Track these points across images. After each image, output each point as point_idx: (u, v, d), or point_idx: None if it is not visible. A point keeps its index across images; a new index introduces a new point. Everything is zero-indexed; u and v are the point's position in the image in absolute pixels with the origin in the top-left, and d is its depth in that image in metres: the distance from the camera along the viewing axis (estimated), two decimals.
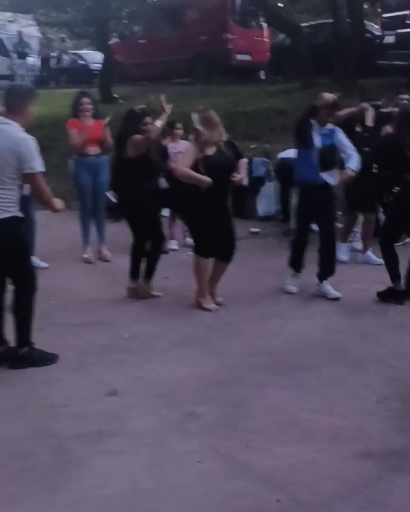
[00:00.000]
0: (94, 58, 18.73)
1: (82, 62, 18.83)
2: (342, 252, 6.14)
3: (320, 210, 5.23)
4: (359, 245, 6.52)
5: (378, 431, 3.17)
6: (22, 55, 17.67)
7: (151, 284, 5.36)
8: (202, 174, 4.77)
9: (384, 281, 5.56)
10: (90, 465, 2.94)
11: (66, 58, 17.88)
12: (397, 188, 5.19)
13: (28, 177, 3.84)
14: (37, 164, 3.81)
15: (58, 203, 4.05)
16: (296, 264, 5.42)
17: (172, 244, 7.09)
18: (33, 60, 18.18)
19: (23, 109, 3.89)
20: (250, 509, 2.60)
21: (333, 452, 3.00)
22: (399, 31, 12.80)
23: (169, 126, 6.93)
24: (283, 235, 7.43)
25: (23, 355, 4.00)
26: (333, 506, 2.60)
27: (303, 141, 5.25)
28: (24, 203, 6.11)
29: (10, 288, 4.05)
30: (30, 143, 3.80)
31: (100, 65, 16.11)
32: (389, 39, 13.12)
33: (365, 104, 6.05)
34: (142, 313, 4.99)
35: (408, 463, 2.89)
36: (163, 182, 6.60)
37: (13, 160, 3.76)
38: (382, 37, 13.53)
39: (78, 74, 17.18)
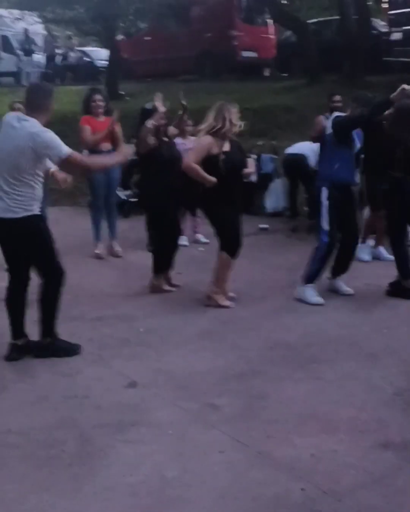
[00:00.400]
0: (100, 55, 18.75)
1: (88, 59, 18.85)
2: (365, 252, 6.16)
3: (348, 209, 5.15)
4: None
5: (396, 423, 3.22)
6: (28, 52, 17.72)
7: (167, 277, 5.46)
8: (220, 170, 4.79)
9: (394, 276, 5.62)
10: (115, 454, 3.00)
11: (72, 55, 17.89)
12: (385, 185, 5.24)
13: (63, 165, 3.84)
14: (63, 149, 3.77)
15: (119, 155, 4.00)
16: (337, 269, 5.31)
17: (183, 240, 7.13)
18: (38, 57, 18.23)
19: (43, 106, 3.93)
20: (275, 497, 2.65)
21: (353, 443, 3.06)
22: (406, 28, 12.85)
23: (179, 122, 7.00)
24: (291, 231, 7.51)
25: (47, 345, 4.09)
26: (357, 495, 2.66)
27: (347, 140, 5.07)
28: None
29: (33, 283, 4.11)
30: (46, 134, 3.78)
31: (106, 62, 16.14)
32: (396, 36, 13.17)
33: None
34: (156, 308, 5.05)
35: None
36: None
37: (30, 155, 3.76)
38: (389, 34, 13.57)
39: (84, 71, 17.20)
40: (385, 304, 5.01)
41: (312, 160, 7.61)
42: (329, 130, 5.15)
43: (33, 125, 3.82)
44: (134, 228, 7.80)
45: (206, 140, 4.87)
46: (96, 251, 6.63)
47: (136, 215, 8.47)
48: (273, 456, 2.96)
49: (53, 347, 4.08)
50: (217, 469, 2.85)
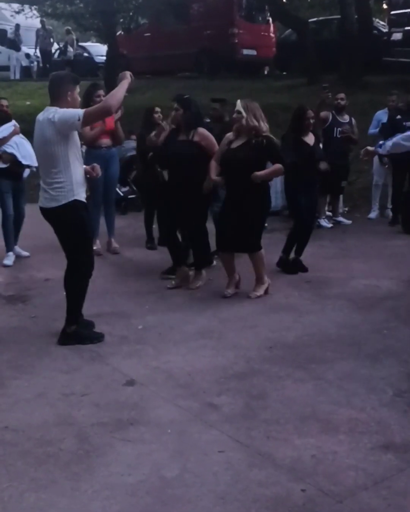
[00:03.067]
0: (98, 50, 18.70)
1: (86, 54, 18.78)
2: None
3: None
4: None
5: (396, 424, 3.20)
6: (15, 46, 17.71)
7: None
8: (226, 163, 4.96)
9: (394, 277, 5.61)
10: (114, 452, 2.97)
11: (70, 50, 17.82)
12: None
13: (86, 123, 3.94)
14: (76, 113, 3.86)
15: (124, 75, 4.05)
16: None
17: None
18: (30, 51, 18.22)
19: (62, 95, 4.01)
20: (275, 498, 2.63)
21: (353, 444, 3.03)
22: (406, 28, 12.83)
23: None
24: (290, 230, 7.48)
25: (71, 333, 4.19)
26: (357, 496, 2.64)
27: None
28: (16, 193, 6.33)
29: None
30: (58, 113, 3.89)
31: (105, 58, 16.08)
32: (396, 36, 13.15)
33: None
34: (155, 305, 5.02)
35: None
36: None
37: (58, 139, 3.90)
38: (389, 34, 13.55)
39: (82, 67, 17.12)
40: (384, 305, 4.99)
41: None
42: None
43: (50, 111, 3.95)
44: (132, 225, 7.79)
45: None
46: (94, 248, 6.59)
47: (133, 212, 8.48)
48: (273, 457, 2.93)
49: (77, 335, 4.19)
50: (217, 469, 2.83)
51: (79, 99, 4.14)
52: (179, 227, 5.57)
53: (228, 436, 3.09)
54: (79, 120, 3.85)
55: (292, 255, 5.95)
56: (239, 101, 4.98)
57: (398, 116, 7.54)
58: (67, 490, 2.72)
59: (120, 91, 3.96)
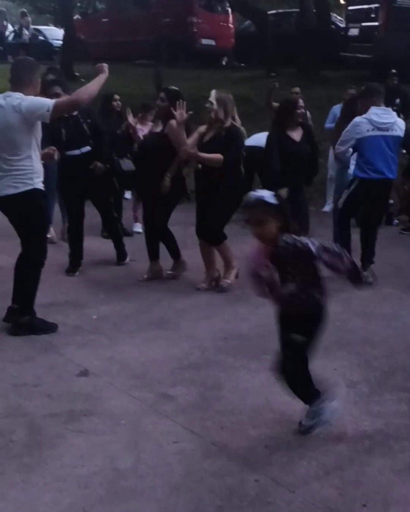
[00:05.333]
0: (54, 34, 18.34)
1: (42, 38, 18.39)
2: None
3: None
4: None
5: (348, 415, 3.25)
6: None
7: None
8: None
9: None
10: (66, 444, 2.93)
11: (26, 33, 17.41)
12: None
13: (56, 113, 3.81)
14: (46, 103, 3.79)
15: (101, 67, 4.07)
16: None
17: (137, 227, 7.05)
18: None
19: (27, 80, 3.93)
20: (229, 488, 2.63)
21: (306, 435, 3.06)
22: (363, 24, 12.99)
23: (144, 109, 6.91)
24: (246, 222, 7.49)
25: (24, 324, 4.10)
26: (310, 486, 2.67)
27: None
28: None
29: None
30: (26, 100, 3.82)
31: (61, 42, 15.78)
32: (353, 31, 13.31)
33: None
34: (110, 295, 4.97)
35: (380, 446, 2.97)
36: (129, 164, 6.59)
37: (23, 127, 3.80)
38: (346, 29, 13.70)
39: (38, 50, 16.75)
40: (338, 297, 4.99)
41: None
42: None
43: (14, 97, 3.85)
44: (87, 213, 7.65)
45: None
46: (48, 235, 6.46)
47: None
48: (227, 447, 2.94)
49: (31, 326, 4.10)
50: (171, 460, 2.82)
51: (39, 84, 4.07)
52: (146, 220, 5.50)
53: (182, 427, 3.09)
54: (48, 111, 3.77)
55: None
56: (213, 92, 4.93)
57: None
58: (17, 482, 2.66)
59: (94, 86, 3.92)
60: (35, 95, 3.92)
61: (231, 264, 5.19)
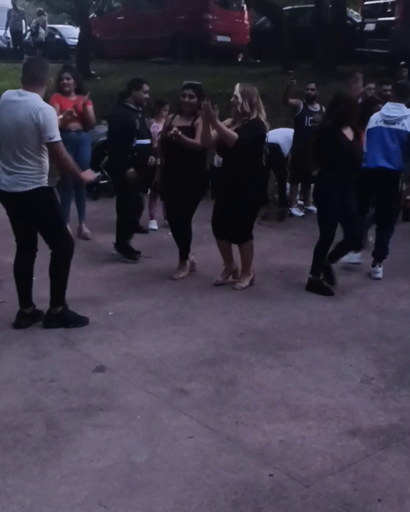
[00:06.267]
0: (70, 33, 18.43)
1: (58, 36, 18.49)
2: None
3: None
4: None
5: (364, 410, 3.25)
6: None
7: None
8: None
9: (364, 265, 5.67)
10: (83, 438, 2.96)
11: (42, 32, 17.50)
12: None
13: (48, 146, 3.89)
14: (57, 133, 3.88)
15: (87, 174, 4.26)
16: None
17: (153, 224, 7.07)
18: (1, 32, 17.88)
19: (39, 79, 3.96)
20: (243, 482, 2.65)
21: (321, 430, 3.07)
22: (379, 19, 12.89)
23: (158, 106, 6.93)
24: (262, 218, 7.47)
25: (57, 315, 4.18)
26: (325, 481, 2.67)
27: None
28: None
29: (40, 254, 4.25)
30: (49, 112, 3.87)
31: (77, 41, 15.84)
32: (369, 26, 13.22)
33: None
34: (126, 291, 4.99)
35: (395, 441, 2.97)
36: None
37: (35, 129, 3.84)
38: (362, 24, 13.61)
39: (54, 49, 16.86)
40: (354, 293, 5.04)
41: (285, 149, 7.63)
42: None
43: (36, 99, 3.89)
44: (103, 210, 7.71)
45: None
46: None
47: (105, 198, 8.40)
48: (242, 442, 2.95)
49: (63, 318, 4.18)
50: (186, 455, 2.83)
51: (50, 83, 4.14)
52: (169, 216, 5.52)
53: (197, 422, 3.10)
54: (50, 139, 3.84)
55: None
56: (238, 85, 4.85)
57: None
58: (34, 475, 2.70)
59: (79, 176, 4.19)
60: (43, 95, 3.97)
61: (249, 269, 5.14)
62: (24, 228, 4.14)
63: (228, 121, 4.94)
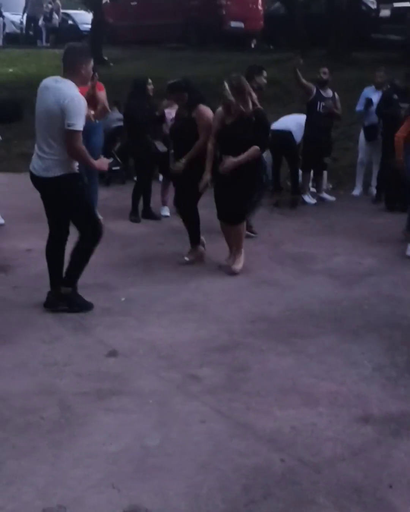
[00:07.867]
0: (83, 18, 18.35)
1: (71, 22, 18.42)
2: None
3: None
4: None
5: (376, 398, 3.25)
6: None
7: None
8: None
9: (376, 254, 5.66)
10: (95, 422, 2.99)
11: (56, 17, 17.45)
12: None
13: (66, 133, 3.89)
14: (77, 123, 3.87)
15: (101, 163, 4.29)
16: None
17: (165, 211, 7.08)
18: (17, 18, 17.82)
19: (76, 67, 3.97)
20: (255, 467, 2.67)
21: (333, 416, 3.08)
22: (394, 5, 12.75)
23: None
24: (274, 205, 7.47)
25: (63, 295, 4.25)
26: (336, 467, 2.68)
27: None
28: None
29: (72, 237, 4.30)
30: (77, 100, 3.87)
31: (90, 26, 15.77)
32: (385, 13, 13.09)
33: None
34: (138, 277, 5.01)
35: (406, 428, 2.97)
36: (163, 146, 6.62)
37: (60, 116, 3.86)
38: (377, 10, 13.46)
39: (66, 35, 16.80)
40: (366, 281, 5.03)
41: (297, 136, 7.57)
42: None
43: (70, 86, 3.91)
44: (115, 197, 7.72)
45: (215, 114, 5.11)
46: None
47: (117, 184, 8.41)
48: (253, 428, 2.97)
49: (69, 299, 4.23)
50: (198, 439, 2.86)
51: (91, 73, 4.12)
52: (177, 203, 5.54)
53: (209, 407, 3.12)
54: (69, 126, 3.83)
55: None
56: (225, 84, 4.87)
57: (395, 96, 7.45)
58: (48, 457, 2.73)
59: (92, 164, 4.16)
60: (82, 82, 4.01)
61: (241, 249, 5.18)
62: (54, 212, 4.20)
63: (221, 111, 4.95)
